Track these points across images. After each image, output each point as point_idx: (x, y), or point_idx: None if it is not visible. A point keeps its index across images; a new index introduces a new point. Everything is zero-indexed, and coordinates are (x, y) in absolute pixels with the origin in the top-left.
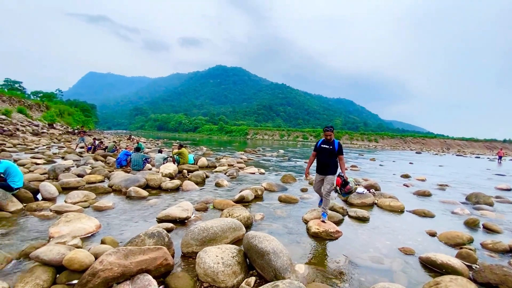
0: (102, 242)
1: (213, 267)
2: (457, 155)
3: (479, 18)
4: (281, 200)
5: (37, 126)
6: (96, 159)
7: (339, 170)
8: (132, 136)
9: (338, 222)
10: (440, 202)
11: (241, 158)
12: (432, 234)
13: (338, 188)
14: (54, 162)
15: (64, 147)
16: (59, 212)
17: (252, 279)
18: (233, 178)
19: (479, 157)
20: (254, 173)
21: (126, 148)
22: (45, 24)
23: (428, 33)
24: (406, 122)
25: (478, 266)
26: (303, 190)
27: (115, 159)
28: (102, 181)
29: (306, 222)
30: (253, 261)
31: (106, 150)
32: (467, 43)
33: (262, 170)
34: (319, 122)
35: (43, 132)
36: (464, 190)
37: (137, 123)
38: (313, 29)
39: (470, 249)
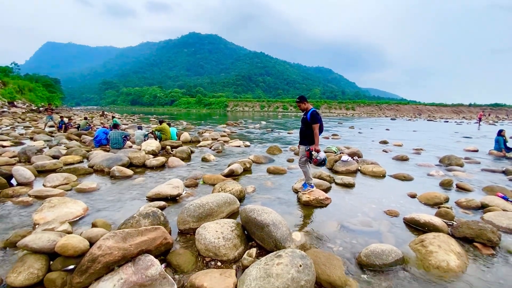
0: (93, 225)
1: (214, 242)
2: (428, 120)
3: None
4: (269, 171)
5: None
6: (69, 139)
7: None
8: (105, 112)
9: (327, 190)
10: (417, 165)
11: (224, 131)
12: (413, 196)
13: (309, 160)
14: (23, 143)
15: (30, 127)
16: (39, 197)
17: (253, 250)
18: (219, 152)
19: (447, 121)
20: (239, 146)
21: (101, 126)
22: None
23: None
24: (382, 89)
25: (455, 223)
26: (290, 161)
27: (93, 138)
28: (81, 162)
29: (296, 191)
30: (252, 233)
31: (79, 128)
32: (438, 11)
33: (247, 143)
34: (299, 92)
35: (3, 112)
36: (437, 153)
37: (108, 98)
38: None
39: (447, 208)
